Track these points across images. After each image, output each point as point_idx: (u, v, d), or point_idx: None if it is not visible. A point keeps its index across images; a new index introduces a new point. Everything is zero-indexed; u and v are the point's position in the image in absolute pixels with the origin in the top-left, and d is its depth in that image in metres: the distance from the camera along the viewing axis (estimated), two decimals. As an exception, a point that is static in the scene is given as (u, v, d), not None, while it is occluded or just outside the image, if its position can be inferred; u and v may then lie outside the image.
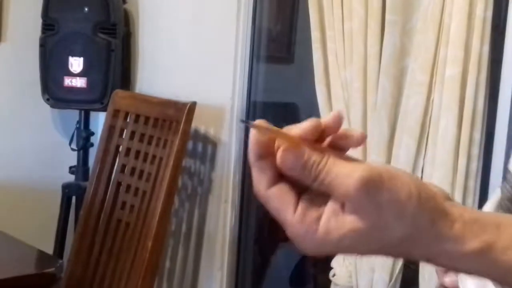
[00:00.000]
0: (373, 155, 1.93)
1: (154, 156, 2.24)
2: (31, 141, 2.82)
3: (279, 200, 0.56)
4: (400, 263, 1.94)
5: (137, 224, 2.20)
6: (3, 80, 2.75)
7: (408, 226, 0.55)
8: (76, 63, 2.56)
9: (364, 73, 1.93)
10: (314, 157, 0.55)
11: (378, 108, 1.92)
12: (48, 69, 2.60)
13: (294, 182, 0.56)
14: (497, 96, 1.82)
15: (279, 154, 0.56)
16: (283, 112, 2.70)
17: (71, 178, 2.72)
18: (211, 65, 2.50)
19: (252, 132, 0.56)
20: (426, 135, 1.87)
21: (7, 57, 2.74)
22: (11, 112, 2.78)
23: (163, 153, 2.21)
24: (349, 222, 0.54)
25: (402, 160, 1.88)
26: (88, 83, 2.57)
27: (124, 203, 2.28)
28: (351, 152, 0.58)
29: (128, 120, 2.35)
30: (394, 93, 1.91)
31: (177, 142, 2.16)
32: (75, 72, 2.57)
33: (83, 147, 2.70)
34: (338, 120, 0.57)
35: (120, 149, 2.36)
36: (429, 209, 0.55)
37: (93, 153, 2.54)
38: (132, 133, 2.33)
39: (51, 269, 1.84)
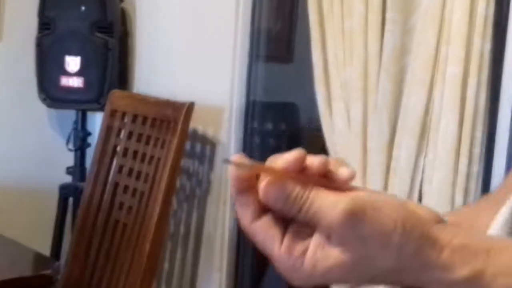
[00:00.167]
0: (373, 155, 1.91)
1: (152, 157, 2.22)
2: (27, 141, 2.81)
3: (265, 234, 0.56)
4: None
5: (135, 226, 2.19)
6: (-1, 80, 2.74)
7: (394, 257, 0.55)
8: (72, 63, 2.55)
9: (364, 72, 1.92)
10: (297, 189, 0.55)
11: (378, 107, 1.90)
12: (45, 68, 2.58)
13: (279, 214, 0.56)
14: (499, 95, 1.80)
15: (261, 188, 0.55)
16: (282, 112, 2.69)
17: (68, 178, 2.71)
18: (210, 65, 2.48)
19: (231, 168, 0.56)
20: (426, 135, 1.85)
21: (3, 56, 2.73)
22: (7, 112, 2.76)
23: (161, 153, 2.19)
24: (335, 254, 0.54)
25: (402, 160, 1.86)
26: (85, 82, 2.55)
27: (121, 204, 2.27)
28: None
29: (125, 120, 2.34)
30: (394, 92, 1.89)
31: (175, 142, 2.15)
32: (72, 72, 2.55)
33: (80, 148, 2.69)
34: (324, 168, 0.56)
35: (118, 149, 2.34)
36: (414, 239, 0.55)
37: (90, 153, 2.53)
38: (130, 134, 2.31)
39: (48, 271, 1.82)
